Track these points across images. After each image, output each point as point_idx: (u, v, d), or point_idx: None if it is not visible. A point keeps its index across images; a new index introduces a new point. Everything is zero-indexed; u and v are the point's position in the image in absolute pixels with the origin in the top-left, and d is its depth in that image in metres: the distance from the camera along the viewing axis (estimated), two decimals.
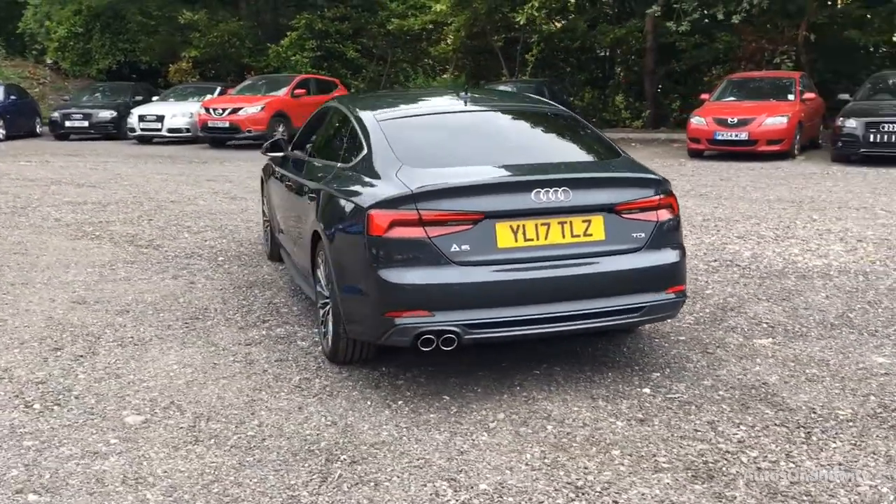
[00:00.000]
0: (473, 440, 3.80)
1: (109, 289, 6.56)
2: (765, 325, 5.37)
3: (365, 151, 4.70)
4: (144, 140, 21.37)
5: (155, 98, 23.25)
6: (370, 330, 4.28)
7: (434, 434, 3.88)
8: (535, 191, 4.13)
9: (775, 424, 3.88)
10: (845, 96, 15.90)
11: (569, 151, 4.83)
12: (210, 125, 19.58)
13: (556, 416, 4.04)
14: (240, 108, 19.38)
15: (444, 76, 24.77)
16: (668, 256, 4.40)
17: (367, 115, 5.03)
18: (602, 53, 24.17)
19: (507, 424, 3.96)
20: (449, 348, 4.12)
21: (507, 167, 4.50)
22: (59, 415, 4.14)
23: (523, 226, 4.14)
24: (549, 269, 4.15)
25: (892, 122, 13.90)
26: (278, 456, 3.68)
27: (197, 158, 17.34)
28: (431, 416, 4.09)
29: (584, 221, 4.22)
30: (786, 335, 5.17)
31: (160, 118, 21.05)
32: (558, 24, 24.56)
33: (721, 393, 4.28)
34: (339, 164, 5.00)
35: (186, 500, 3.31)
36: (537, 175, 4.27)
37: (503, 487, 3.34)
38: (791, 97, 16.03)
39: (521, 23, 21.61)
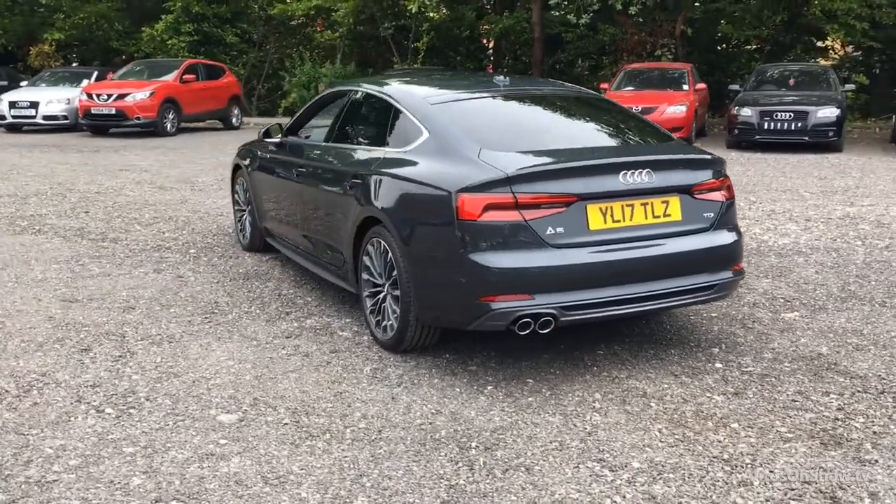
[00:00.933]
0: (590, 421, 3.85)
1: (93, 285, 6.14)
2: (781, 300, 5.68)
3: (426, 136, 4.62)
4: (14, 128, 19.93)
5: (23, 83, 21.70)
6: (459, 316, 4.23)
7: (547, 417, 3.89)
8: (622, 172, 4.21)
9: (858, 391, 4.13)
10: (735, 87, 16.88)
11: (627, 134, 4.92)
12: (94, 112, 18.48)
13: (653, 394, 4.14)
14: (126, 95, 18.38)
15: (332, 64, 24.35)
16: (731, 235, 4.59)
17: (414, 99, 4.95)
18: (490, 44, 24.49)
19: (611, 404, 4.03)
20: (545, 331, 4.14)
21: (583, 150, 4.54)
22: (142, 418, 3.87)
23: (611, 207, 4.21)
24: (637, 249, 4.24)
25: (783, 111, 14.87)
26: (407, 447, 3.60)
27: (86, 147, 16.36)
28: (530, 399, 4.10)
29: (663, 202, 4.33)
30: (806, 308, 5.49)
31: (34, 105, 19.70)
32: (443, 14, 24.68)
33: (787, 365, 4.51)
34: (386, 149, 4.89)
35: (344, 497, 3.19)
36: (623, 157, 4.36)
37: (656, 464, 3.41)
38: (686, 87, 16.85)
39: (413, 11, 21.60)
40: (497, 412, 3.95)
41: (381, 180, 4.73)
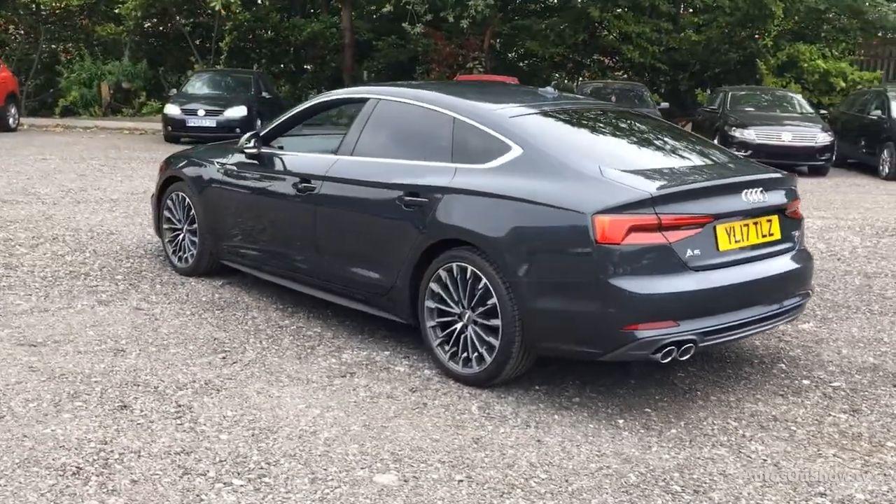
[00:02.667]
0: (756, 451, 3.74)
1: (40, 324, 5.11)
2: None
3: (516, 151, 4.29)
4: None
5: None
6: (594, 346, 3.95)
7: (712, 450, 3.74)
8: (744, 191, 4.15)
9: None
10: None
11: (701, 150, 4.83)
12: None
13: (781, 417, 4.12)
14: None
15: (119, 61, 22.31)
16: (808, 254, 4.68)
17: (485, 111, 4.59)
18: (292, 48, 23.64)
19: (755, 431, 3.95)
20: (685, 357, 3.97)
21: (703, 168, 4.44)
22: (290, 488, 3.25)
23: (734, 227, 4.14)
24: (757, 269, 4.20)
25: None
26: (616, 497, 3.28)
27: None
28: (674, 431, 3.94)
29: (767, 221, 4.33)
30: (816, 318, 5.74)
31: None
32: (245, 14, 23.52)
33: (858, 376, 4.68)
34: (457, 165, 4.47)
35: None
36: (744, 176, 4.30)
37: (878, 494, 3.36)
38: None
39: (217, 8, 20.39)
40: (658, 449, 3.73)
41: (464, 199, 4.32)
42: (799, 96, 17.25)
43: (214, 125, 16.23)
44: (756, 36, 21.95)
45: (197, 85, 18.12)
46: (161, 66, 23.34)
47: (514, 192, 4.16)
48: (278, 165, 5.50)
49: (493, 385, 4.32)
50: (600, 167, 4.06)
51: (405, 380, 4.44)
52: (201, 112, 16.31)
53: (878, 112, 15.41)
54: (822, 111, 17.26)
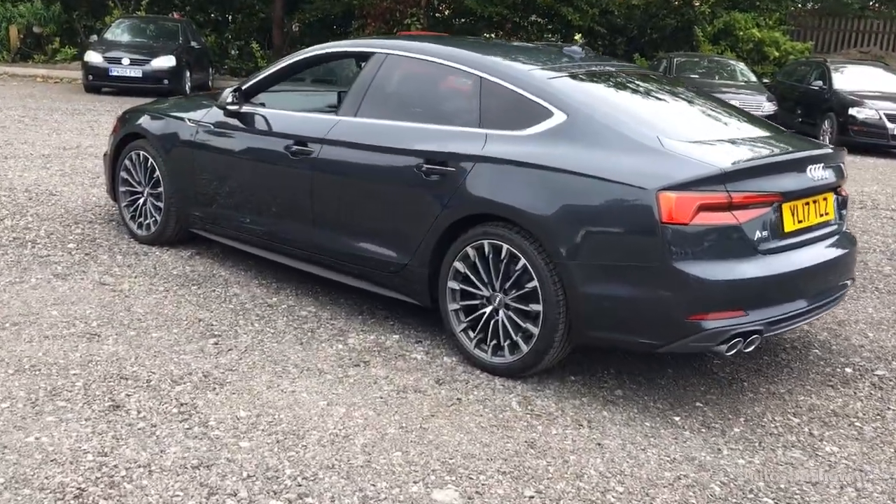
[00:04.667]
0: (835, 454, 3.46)
1: (30, 301, 4.43)
2: None
3: (560, 117, 3.83)
4: None
5: None
6: (653, 336, 3.56)
7: (787, 453, 3.44)
8: (809, 167, 3.81)
9: None
10: None
11: (757, 124, 4.44)
12: None
13: (841, 411, 3.85)
14: None
15: (30, 3, 20.66)
16: (853, 236, 4.41)
17: (521, 72, 4.11)
18: None
19: (819, 429, 3.67)
20: (749, 349, 3.64)
21: (767, 140, 4.07)
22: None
23: (797, 206, 3.80)
24: (816, 253, 3.88)
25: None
26: None
27: None
28: (737, 430, 3.62)
29: (824, 199, 4.02)
30: None
31: None
32: None
33: None
34: (487, 131, 3.99)
35: None
36: (810, 151, 3.95)
37: None
38: None
39: None
40: (729, 452, 3.41)
41: (499, 169, 3.85)
42: (742, 65, 17.24)
43: (140, 75, 15.23)
44: (694, 3, 21.87)
45: (119, 32, 16.94)
46: (75, 11, 21.77)
47: (560, 163, 3.71)
48: (265, 125, 4.91)
49: (525, 376, 3.90)
50: (659, 137, 3.64)
51: (426, 369, 3.98)
52: (126, 61, 15.26)
53: (820, 83, 15.49)
54: (765, 80, 17.30)
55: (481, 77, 4.13)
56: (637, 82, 4.55)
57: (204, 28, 21.27)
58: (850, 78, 15.36)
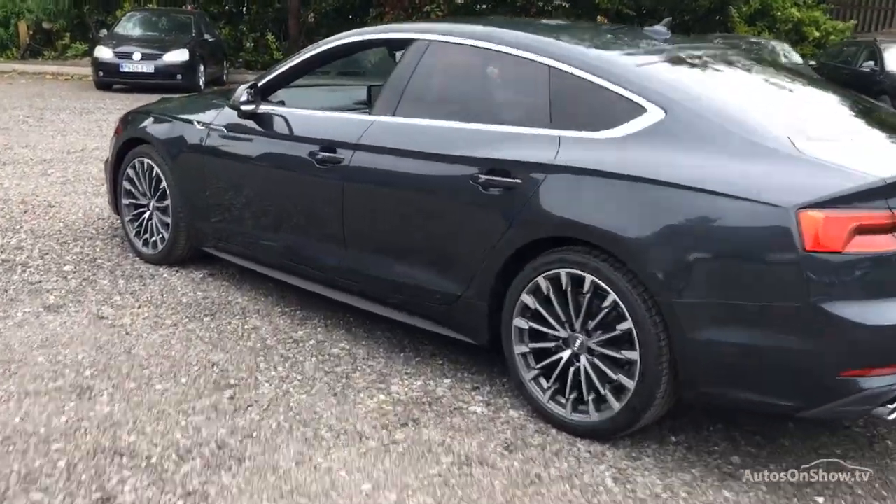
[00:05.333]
0: None
1: (13, 343, 3.71)
2: None
3: (656, 114, 3.05)
4: None
5: None
6: (791, 397, 2.78)
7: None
8: None
9: None
10: None
11: (877, 112, 3.65)
12: None
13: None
14: None
15: None
16: None
17: (600, 59, 3.32)
18: None
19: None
20: None
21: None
22: None
23: None
24: None
25: None
26: None
27: None
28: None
29: None
30: None
31: None
32: None
33: None
34: (561, 132, 3.21)
35: None
36: None
37: None
38: None
39: None
40: None
41: (579, 181, 3.08)
42: (786, 46, 16.27)
43: (152, 70, 14.54)
44: None
45: (130, 26, 16.26)
46: (86, 5, 21.11)
47: (659, 172, 2.92)
48: (286, 127, 4.15)
49: (616, 438, 3.13)
50: (790, 137, 2.85)
51: (490, 428, 3.22)
52: (137, 56, 14.57)
53: (871, 63, 14.56)
54: (810, 62, 16.36)
55: (550, 66, 3.34)
56: (742, 67, 3.75)
57: (218, 20, 20.56)
58: None
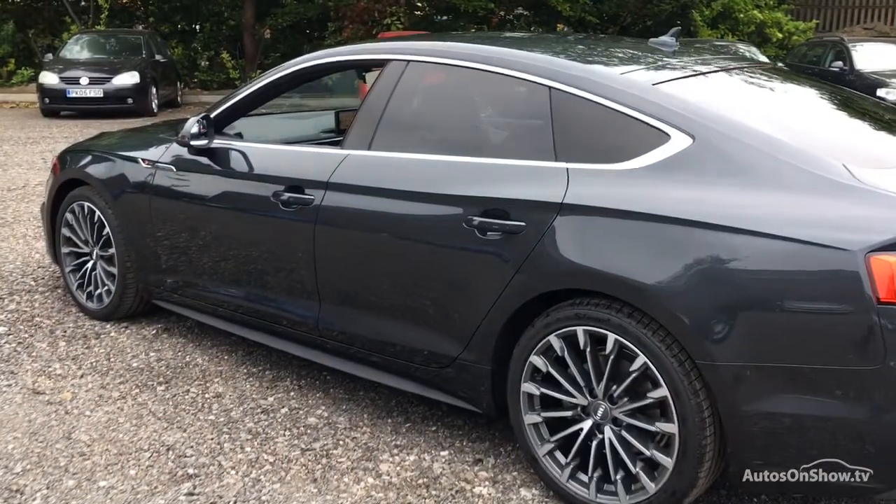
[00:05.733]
0: None
1: None
2: None
3: (682, 141, 2.59)
4: None
5: None
6: (870, 476, 2.31)
7: None
8: None
9: None
10: None
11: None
12: None
13: None
14: None
15: None
16: None
17: (607, 77, 2.85)
18: (179, 2, 20.84)
19: None
20: None
21: None
22: None
23: None
24: None
25: None
26: None
27: None
28: None
29: None
30: None
31: None
32: None
33: None
34: (569, 165, 2.74)
35: None
36: None
37: None
38: None
39: None
40: None
41: (593, 223, 2.61)
42: (753, 48, 16.05)
43: (101, 95, 13.88)
44: None
45: (77, 49, 15.57)
46: (31, 29, 20.34)
47: (693, 210, 2.46)
48: (245, 165, 3.63)
49: None
50: (846, 166, 2.40)
51: None
52: (84, 80, 13.89)
53: (840, 64, 14.36)
54: (778, 64, 16.13)
55: (551, 87, 2.87)
56: (771, 81, 3.30)
57: (170, 39, 19.90)
58: (870, 57, 14.24)
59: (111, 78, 14.00)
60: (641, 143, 2.64)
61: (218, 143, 3.73)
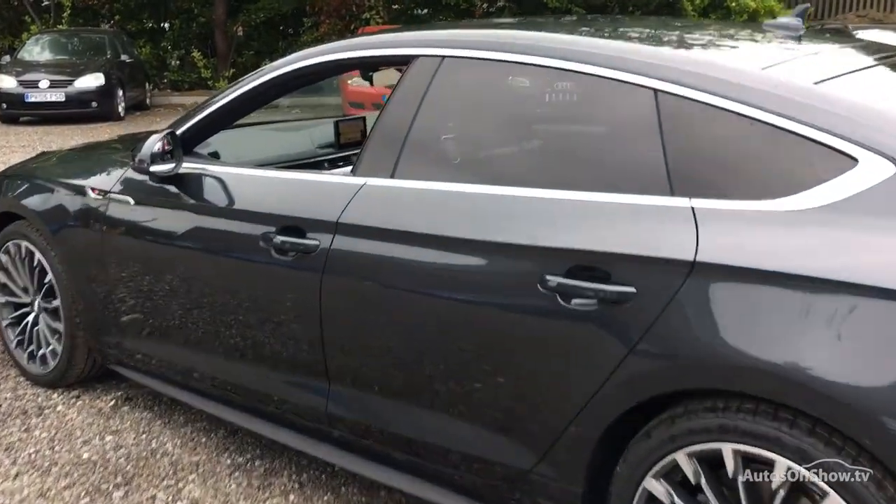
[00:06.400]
0: None
1: None
2: None
3: (884, 170, 1.74)
4: None
5: None
6: None
7: None
8: None
9: None
10: None
11: None
12: None
13: None
14: None
15: None
16: None
17: (747, 76, 1.97)
18: None
19: None
20: None
21: None
22: None
23: None
24: None
25: None
26: None
27: None
28: None
29: None
30: None
31: None
32: None
33: None
34: (696, 203, 1.88)
35: None
36: None
37: None
38: None
39: None
40: None
41: (737, 292, 1.77)
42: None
43: (63, 99, 12.91)
44: None
45: (37, 50, 14.57)
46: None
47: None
48: (223, 195, 2.74)
49: None
50: None
51: None
52: (44, 83, 12.92)
53: None
54: None
55: (657, 90, 2.00)
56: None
57: (137, 38, 18.86)
58: None
59: (73, 80, 13.03)
60: (811, 171, 1.80)
61: (188, 166, 2.83)
